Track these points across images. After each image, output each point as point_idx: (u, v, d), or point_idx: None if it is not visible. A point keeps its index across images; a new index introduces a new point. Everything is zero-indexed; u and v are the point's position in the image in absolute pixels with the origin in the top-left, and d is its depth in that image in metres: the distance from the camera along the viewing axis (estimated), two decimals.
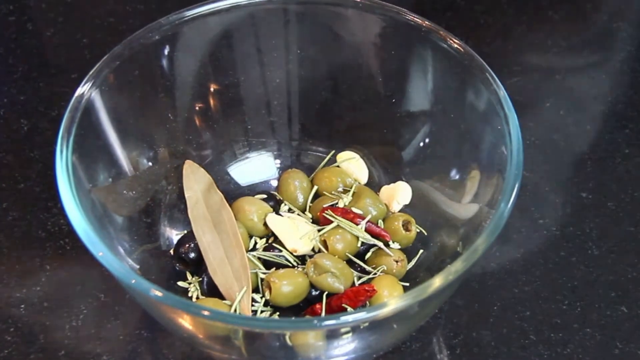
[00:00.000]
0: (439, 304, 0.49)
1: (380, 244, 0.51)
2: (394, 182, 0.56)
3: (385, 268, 0.50)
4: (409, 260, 0.52)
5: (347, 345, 0.44)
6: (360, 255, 0.52)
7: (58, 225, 0.57)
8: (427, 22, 0.51)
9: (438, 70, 0.53)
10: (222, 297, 0.49)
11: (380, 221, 0.53)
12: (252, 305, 0.49)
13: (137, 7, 0.73)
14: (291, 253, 0.51)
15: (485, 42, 0.71)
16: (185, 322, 0.43)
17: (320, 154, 0.58)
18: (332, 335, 0.43)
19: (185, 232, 0.53)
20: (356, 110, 0.58)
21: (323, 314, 0.48)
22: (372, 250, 0.52)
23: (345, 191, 0.54)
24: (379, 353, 0.50)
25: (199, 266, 0.51)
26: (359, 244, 0.51)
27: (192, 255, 0.51)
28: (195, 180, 0.53)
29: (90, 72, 0.48)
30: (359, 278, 0.50)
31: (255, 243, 0.52)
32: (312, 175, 0.57)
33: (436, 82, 0.54)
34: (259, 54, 0.57)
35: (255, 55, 0.57)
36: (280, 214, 0.53)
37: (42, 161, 0.61)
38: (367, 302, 0.48)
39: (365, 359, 0.48)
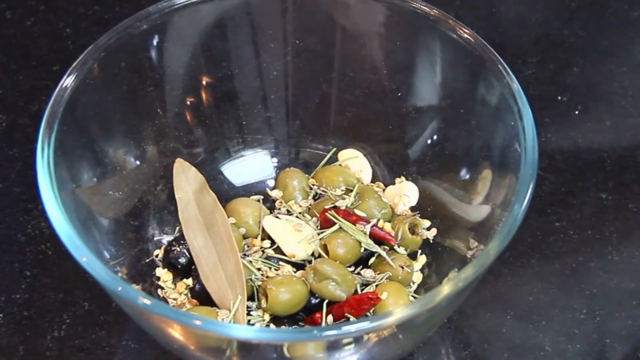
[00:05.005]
0: (447, 313, 0.49)
1: (383, 253, 0.51)
2: (400, 182, 0.56)
3: (390, 274, 0.50)
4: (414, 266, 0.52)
5: (349, 357, 0.44)
6: (364, 260, 0.52)
7: (39, 229, 0.57)
8: (435, 11, 0.51)
9: (447, 62, 0.53)
10: (214, 305, 0.49)
11: (385, 224, 0.53)
12: (248, 314, 0.49)
13: None
14: (289, 258, 0.51)
15: (498, 31, 0.71)
16: (176, 332, 0.43)
17: (321, 152, 0.58)
18: (333, 346, 0.43)
19: (176, 235, 0.53)
20: (359, 105, 0.58)
21: (323, 323, 0.48)
22: (376, 254, 0.52)
23: (348, 192, 0.54)
24: None
25: (189, 272, 0.51)
26: (362, 249, 0.51)
27: (182, 260, 0.51)
28: (187, 180, 0.53)
29: (74, 64, 0.48)
30: (362, 285, 0.50)
31: (251, 247, 0.52)
32: (312, 174, 0.57)
33: (445, 75, 0.54)
34: (255, 45, 0.57)
35: (250, 46, 0.57)
36: (277, 217, 0.53)
37: (21, 160, 0.61)
38: (371, 311, 0.48)
39: None
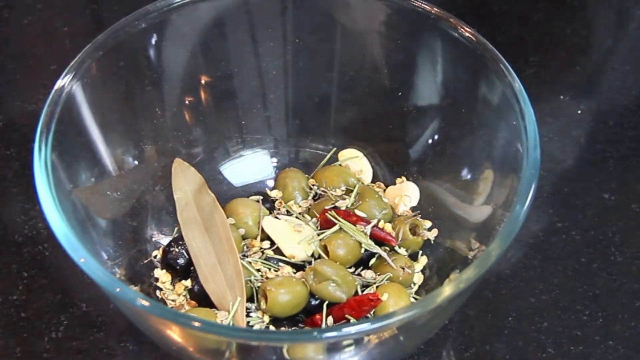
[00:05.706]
0: (449, 314, 0.49)
1: (384, 254, 0.50)
2: (401, 182, 0.56)
3: (391, 275, 0.50)
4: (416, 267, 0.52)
5: (349, 358, 0.44)
6: (364, 261, 0.52)
7: (36, 229, 0.57)
8: (436, 9, 0.51)
9: (448, 61, 0.53)
10: (213, 307, 0.49)
11: (386, 224, 0.53)
12: (247, 316, 0.49)
13: None
14: (289, 259, 0.51)
15: (500, 30, 0.71)
16: (174, 334, 0.43)
17: (321, 152, 0.58)
18: (334, 348, 0.43)
19: (174, 236, 0.53)
20: (359, 105, 0.58)
21: (323, 325, 0.48)
22: (376, 255, 0.52)
23: (348, 192, 0.54)
24: None
25: (188, 273, 0.51)
26: (362, 249, 0.51)
27: (181, 261, 0.51)
28: (185, 181, 0.53)
29: (71, 63, 0.48)
30: (363, 286, 0.50)
31: (250, 248, 0.52)
32: (312, 174, 0.57)
33: (446, 74, 0.54)
34: (254, 44, 0.57)
35: (249, 44, 0.57)
36: (277, 217, 0.53)
37: (19, 159, 0.61)
38: (372, 312, 0.48)
39: None
